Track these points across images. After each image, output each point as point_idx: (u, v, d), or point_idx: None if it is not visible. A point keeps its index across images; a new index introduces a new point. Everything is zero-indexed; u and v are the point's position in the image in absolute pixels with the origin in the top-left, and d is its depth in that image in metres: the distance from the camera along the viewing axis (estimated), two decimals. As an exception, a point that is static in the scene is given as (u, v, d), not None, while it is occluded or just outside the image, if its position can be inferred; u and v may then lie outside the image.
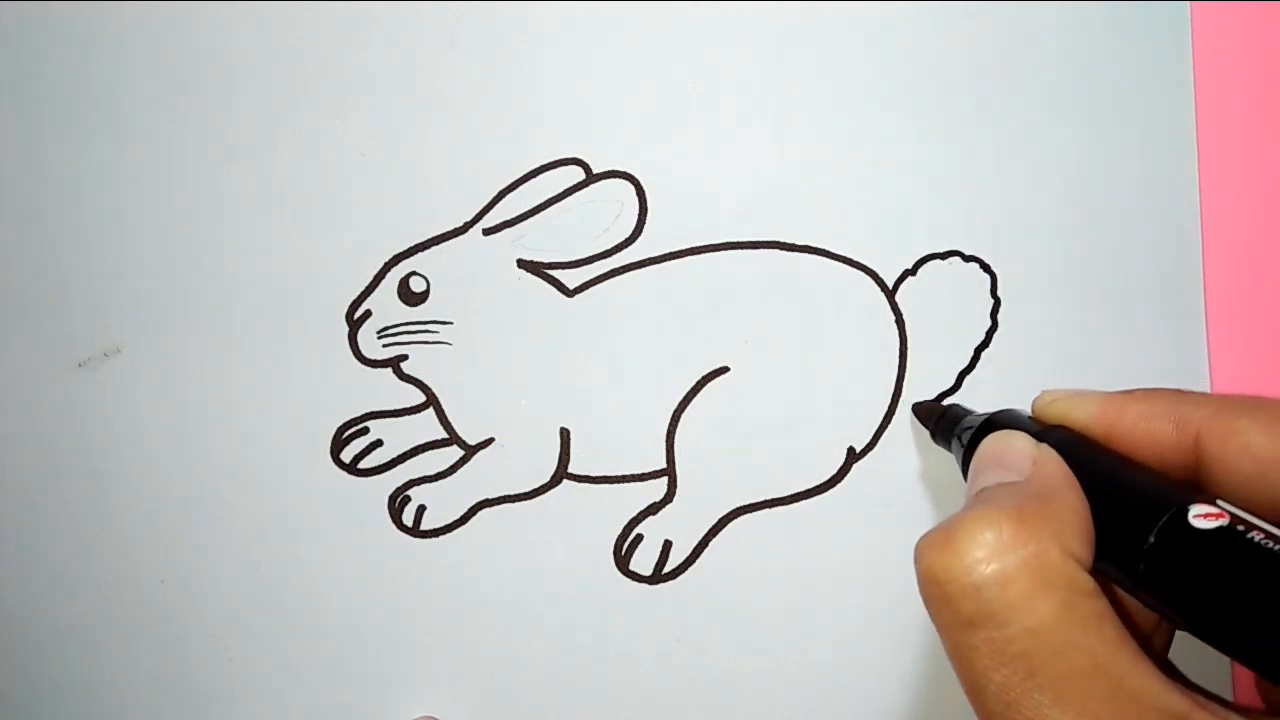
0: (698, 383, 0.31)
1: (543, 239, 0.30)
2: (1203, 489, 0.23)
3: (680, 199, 0.31)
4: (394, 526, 0.31)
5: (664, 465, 0.31)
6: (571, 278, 0.30)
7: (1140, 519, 0.22)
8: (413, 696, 0.31)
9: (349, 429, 0.31)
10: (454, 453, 0.31)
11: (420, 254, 0.30)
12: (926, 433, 0.30)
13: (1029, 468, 0.24)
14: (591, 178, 0.30)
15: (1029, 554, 0.21)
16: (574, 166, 0.30)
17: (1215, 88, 0.31)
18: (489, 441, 0.31)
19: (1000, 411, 0.28)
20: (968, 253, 0.31)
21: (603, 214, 0.30)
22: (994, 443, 0.25)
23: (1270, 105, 0.32)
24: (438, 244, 0.30)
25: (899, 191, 0.31)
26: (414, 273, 0.30)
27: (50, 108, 0.30)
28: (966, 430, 0.28)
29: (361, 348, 0.30)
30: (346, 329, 0.30)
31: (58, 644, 0.31)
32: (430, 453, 0.31)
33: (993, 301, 0.31)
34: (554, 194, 0.30)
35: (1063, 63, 0.31)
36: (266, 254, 0.30)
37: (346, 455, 0.31)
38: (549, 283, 0.30)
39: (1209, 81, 0.31)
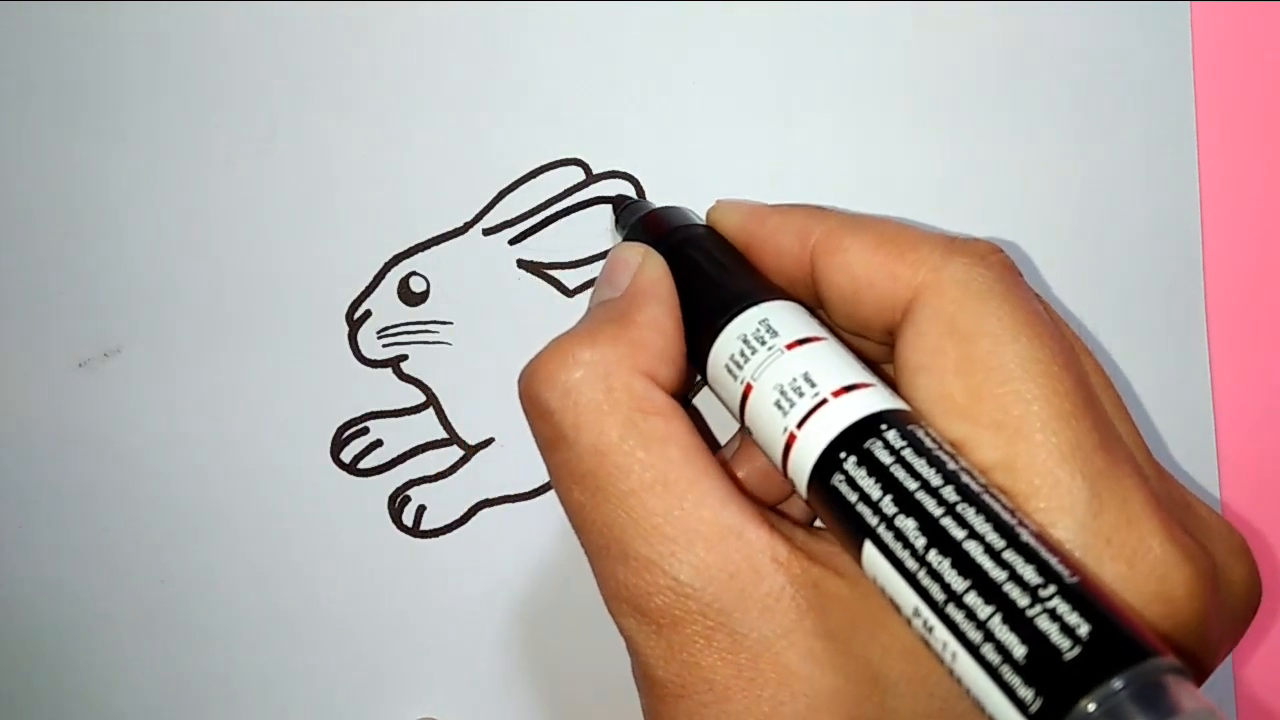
0: (697, 382, 0.31)
1: (543, 239, 0.30)
2: (815, 304, 0.23)
3: (680, 199, 0.31)
4: (394, 526, 0.31)
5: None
6: (571, 278, 0.30)
7: (708, 321, 0.22)
8: (413, 696, 0.31)
9: (349, 429, 0.31)
10: (454, 453, 0.31)
11: (420, 254, 0.30)
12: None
13: (627, 282, 0.24)
14: (591, 178, 0.30)
15: (593, 375, 0.21)
16: (574, 166, 0.30)
17: (1215, 88, 0.31)
18: (489, 441, 0.31)
19: (662, 209, 0.28)
20: (968, 253, 0.31)
21: (603, 214, 0.30)
22: (611, 256, 0.25)
23: (1270, 105, 0.32)
24: (438, 244, 0.30)
25: (899, 192, 0.31)
26: (414, 273, 0.30)
27: (50, 107, 0.30)
28: (626, 226, 0.28)
29: (361, 348, 0.30)
30: (346, 329, 0.30)
31: (58, 644, 0.31)
32: (430, 453, 0.31)
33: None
34: (554, 194, 0.30)
35: (1062, 63, 0.31)
36: (267, 254, 0.30)
37: (346, 455, 0.31)
38: (549, 283, 0.30)
39: (1209, 81, 0.31)
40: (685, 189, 0.31)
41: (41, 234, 0.30)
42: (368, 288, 0.30)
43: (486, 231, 0.30)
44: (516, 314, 0.30)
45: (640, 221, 0.27)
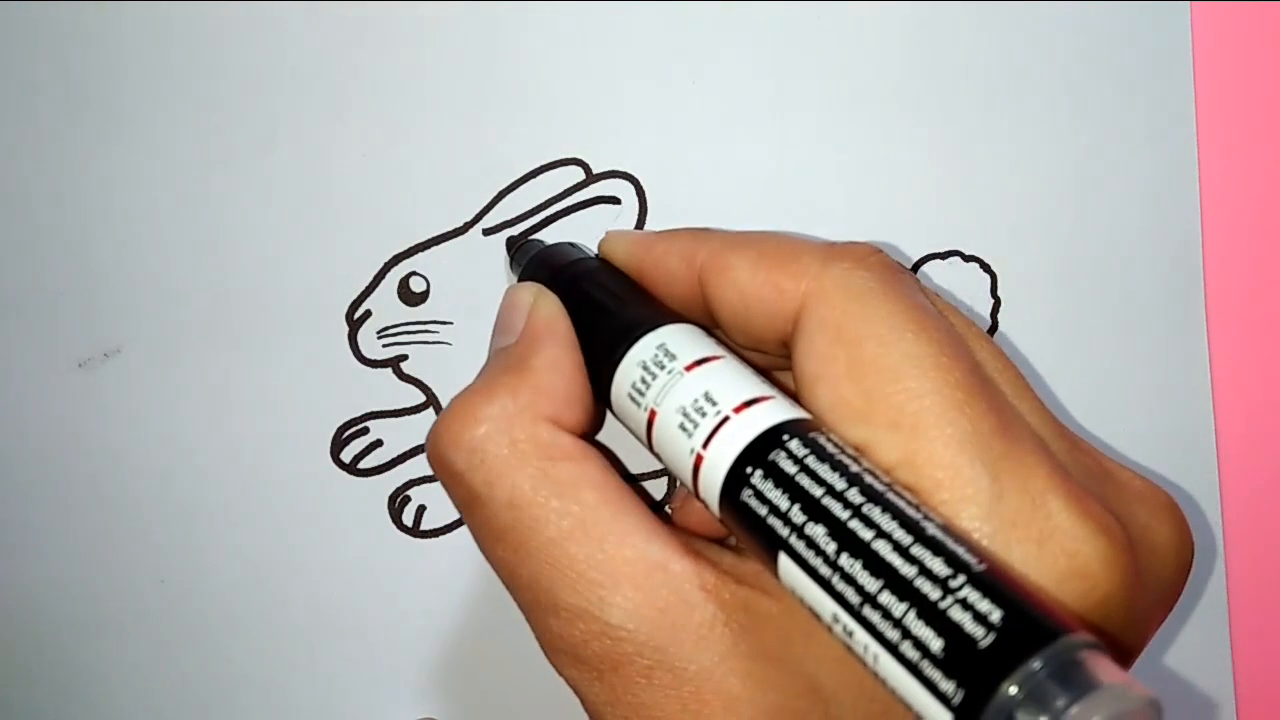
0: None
1: (543, 239, 0.30)
2: (712, 324, 0.23)
3: (680, 199, 0.31)
4: (394, 526, 0.31)
5: (664, 465, 0.31)
6: (571, 278, 0.30)
7: (607, 352, 0.22)
8: (413, 696, 0.31)
9: (349, 429, 0.31)
10: (454, 453, 0.31)
11: (420, 254, 0.30)
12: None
13: (521, 325, 0.24)
14: (591, 178, 0.30)
15: (496, 429, 0.21)
16: (574, 166, 0.30)
17: (1215, 88, 0.31)
18: (489, 441, 0.31)
19: (552, 245, 0.28)
20: (968, 253, 0.31)
21: (603, 214, 0.30)
22: (503, 301, 0.25)
23: (1270, 105, 0.32)
24: (438, 244, 0.30)
25: (899, 191, 0.31)
26: (414, 273, 0.30)
27: (50, 107, 0.30)
28: (518, 269, 0.28)
29: (361, 348, 0.30)
30: (346, 329, 0.30)
31: (58, 644, 0.31)
32: (430, 453, 0.31)
33: (993, 301, 0.31)
34: (554, 194, 0.30)
35: (1062, 63, 0.31)
36: (266, 254, 0.30)
37: (346, 455, 0.31)
38: (549, 283, 0.30)
39: (1209, 81, 0.31)
40: (685, 189, 0.31)
41: (42, 234, 0.30)
42: (368, 288, 0.30)
43: (486, 231, 0.30)
44: (516, 314, 0.30)
45: (532, 260, 0.27)
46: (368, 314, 0.30)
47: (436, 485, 0.31)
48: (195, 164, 0.30)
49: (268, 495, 0.30)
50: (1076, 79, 0.31)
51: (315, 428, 0.30)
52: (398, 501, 0.31)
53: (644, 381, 0.21)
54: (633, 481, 0.30)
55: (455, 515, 0.31)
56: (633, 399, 0.22)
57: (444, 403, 0.31)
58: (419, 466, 0.31)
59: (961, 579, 0.16)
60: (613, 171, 0.30)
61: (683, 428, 0.20)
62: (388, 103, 0.30)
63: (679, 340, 0.22)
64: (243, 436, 0.30)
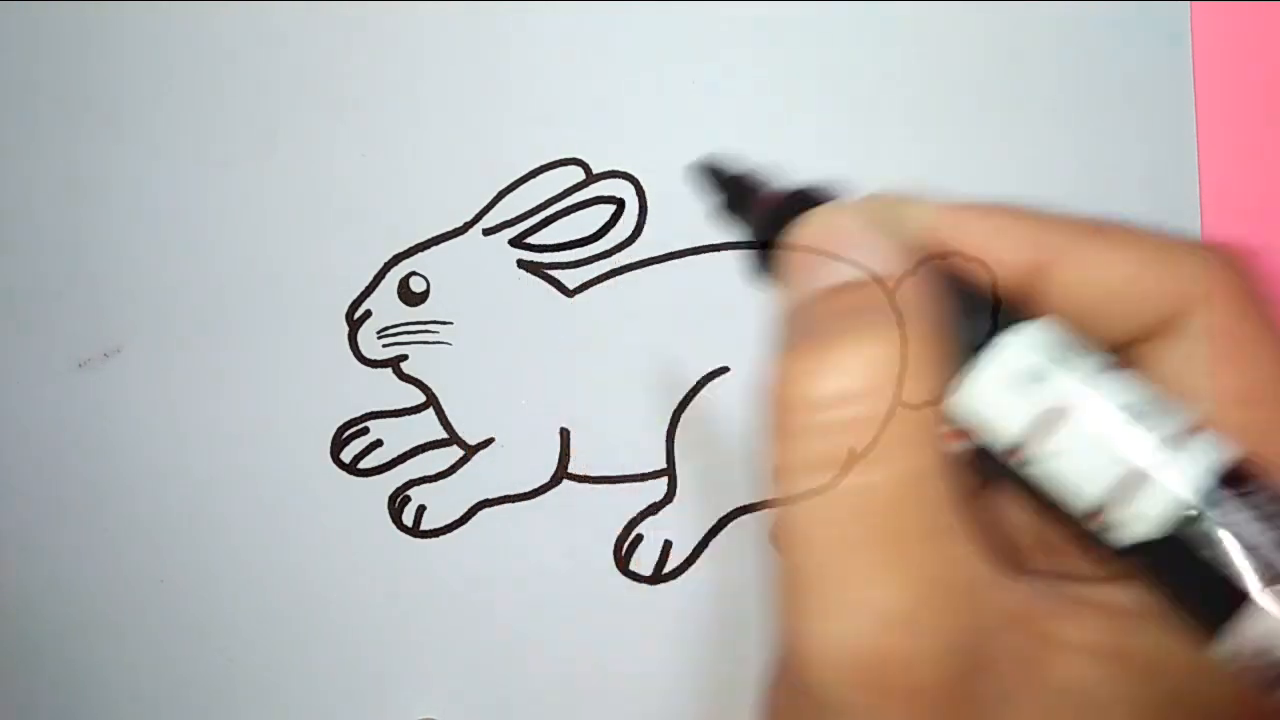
0: (698, 383, 0.31)
1: (543, 239, 0.30)
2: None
3: (680, 199, 0.31)
4: (394, 526, 0.31)
5: (664, 465, 0.31)
6: (571, 278, 0.30)
7: (971, 331, 0.20)
8: (413, 696, 0.31)
9: (349, 429, 0.31)
10: (454, 453, 0.31)
11: (420, 254, 0.30)
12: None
13: (894, 263, 0.20)
14: (591, 178, 0.30)
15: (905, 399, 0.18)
16: (574, 166, 0.30)
17: (1215, 88, 0.31)
18: (489, 441, 0.31)
19: (821, 185, 0.23)
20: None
21: (602, 214, 0.30)
22: (837, 220, 0.19)
23: (1270, 105, 0.32)
24: (438, 244, 0.30)
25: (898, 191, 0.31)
26: (414, 273, 0.30)
27: (51, 108, 0.30)
28: (771, 200, 0.22)
29: (361, 348, 0.30)
30: (346, 329, 0.30)
31: (58, 644, 0.31)
32: (430, 453, 0.31)
33: (994, 302, 0.31)
34: (554, 194, 0.30)
35: (1063, 63, 0.31)
36: (267, 254, 0.30)
37: (346, 455, 0.31)
38: (549, 283, 0.30)
39: (1209, 81, 0.31)
40: (685, 189, 0.31)
41: (42, 234, 0.30)
42: (368, 288, 0.30)
43: (486, 231, 0.30)
44: (516, 314, 0.30)
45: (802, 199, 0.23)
46: (368, 314, 0.30)
47: (437, 485, 0.31)
48: (196, 164, 0.30)
49: (268, 495, 0.30)
50: (1077, 79, 0.31)
51: (315, 428, 0.30)
52: (398, 501, 0.31)
53: (1041, 370, 0.19)
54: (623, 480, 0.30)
55: (455, 515, 0.31)
56: (1016, 389, 0.19)
57: (444, 403, 0.31)
58: (419, 466, 0.31)
59: None
60: (613, 171, 0.30)
61: (1119, 430, 0.18)
62: (388, 103, 0.30)
63: (1060, 334, 0.20)
64: (242, 437, 0.30)
